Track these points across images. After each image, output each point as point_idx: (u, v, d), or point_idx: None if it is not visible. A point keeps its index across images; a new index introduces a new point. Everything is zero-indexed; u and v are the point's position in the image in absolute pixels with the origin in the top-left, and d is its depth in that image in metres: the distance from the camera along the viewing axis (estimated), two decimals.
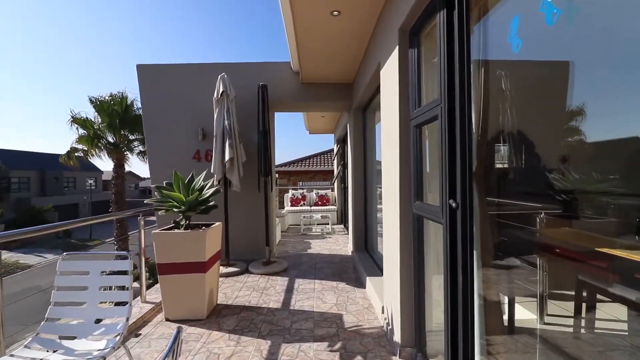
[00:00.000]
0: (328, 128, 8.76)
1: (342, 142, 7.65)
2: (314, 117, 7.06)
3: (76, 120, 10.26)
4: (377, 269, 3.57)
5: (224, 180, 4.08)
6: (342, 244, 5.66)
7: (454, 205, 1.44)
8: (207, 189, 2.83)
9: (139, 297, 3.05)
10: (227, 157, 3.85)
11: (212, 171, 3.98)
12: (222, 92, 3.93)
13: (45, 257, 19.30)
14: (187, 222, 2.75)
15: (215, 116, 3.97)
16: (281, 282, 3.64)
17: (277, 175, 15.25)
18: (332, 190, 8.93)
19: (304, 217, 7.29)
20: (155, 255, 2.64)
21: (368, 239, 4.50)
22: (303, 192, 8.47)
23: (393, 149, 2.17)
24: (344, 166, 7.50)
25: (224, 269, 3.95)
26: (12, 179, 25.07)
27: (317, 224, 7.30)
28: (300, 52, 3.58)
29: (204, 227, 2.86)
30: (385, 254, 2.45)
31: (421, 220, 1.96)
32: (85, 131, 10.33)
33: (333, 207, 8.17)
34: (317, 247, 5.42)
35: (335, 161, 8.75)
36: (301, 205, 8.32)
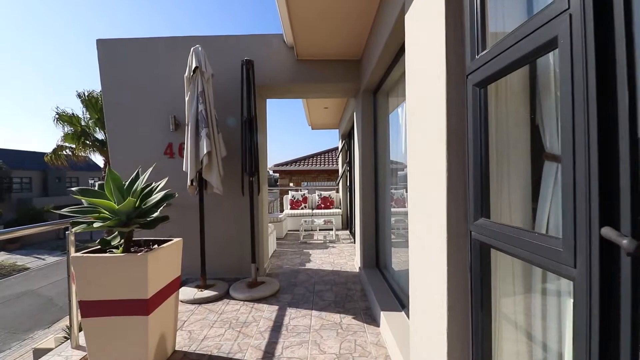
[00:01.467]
0: (332, 122, 7.90)
1: (347, 137, 6.78)
2: (315, 107, 6.21)
3: (62, 117, 9.59)
4: (394, 298, 2.70)
5: (199, 180, 3.25)
6: (347, 255, 4.79)
7: (624, 242, 0.57)
8: (155, 194, 1.99)
9: (68, 341, 2.24)
10: (203, 151, 3.03)
11: (184, 169, 3.15)
12: (196, 68, 3.10)
13: (44, 259, 18.86)
14: (123, 240, 1.92)
15: (186, 99, 3.15)
16: (268, 312, 2.79)
17: (277, 175, 14.42)
18: (337, 191, 8.07)
19: (305, 221, 6.44)
20: (76, 289, 1.82)
21: (380, 253, 3.63)
22: (304, 194, 7.63)
23: (433, 130, 1.31)
24: (350, 164, 6.63)
25: (197, 293, 3.12)
26: (14, 179, 24.78)
27: (319, 230, 6.45)
28: (293, 16, 2.73)
29: (156, 246, 2.04)
30: (416, 285, 1.58)
31: (487, 250, 1.10)
32: (72, 128, 9.65)
33: (337, 210, 7.30)
34: (318, 259, 4.56)
35: (339, 159, 7.88)
36: (302, 208, 7.48)
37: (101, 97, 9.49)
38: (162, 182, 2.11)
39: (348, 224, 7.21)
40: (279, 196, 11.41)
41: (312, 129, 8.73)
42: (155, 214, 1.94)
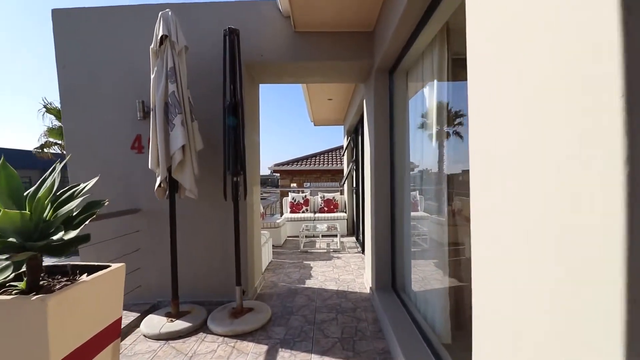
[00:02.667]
0: (337, 117, 7.20)
1: (353, 133, 6.07)
2: (318, 99, 5.51)
3: (50, 111, 8.99)
4: (420, 339, 1.99)
5: (169, 182, 2.58)
6: (355, 270, 4.08)
7: None
8: (71, 203, 1.31)
9: None
10: (177, 144, 2.35)
11: (149, 166, 2.48)
12: (164, 37, 2.42)
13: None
14: (24, 270, 1.24)
15: (152, 77, 2.47)
16: (253, 356, 2.10)
17: (278, 174, 13.73)
18: (341, 193, 7.36)
19: (306, 227, 5.74)
20: None
21: (397, 271, 2.92)
22: (305, 196, 6.94)
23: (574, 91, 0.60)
24: (356, 163, 5.92)
25: (166, 324, 2.44)
26: None
27: (322, 236, 5.76)
28: None
29: (83, 276, 1.36)
30: (491, 327, 0.88)
31: None
32: (59, 122, 9.05)
33: (342, 214, 6.60)
34: (320, 274, 3.86)
35: (345, 158, 7.18)
36: (303, 212, 6.78)
37: None
38: (90, 183, 1.42)
39: (354, 230, 6.50)
40: (280, 198, 10.74)
41: (315, 125, 8.05)
42: (70, 233, 1.25)
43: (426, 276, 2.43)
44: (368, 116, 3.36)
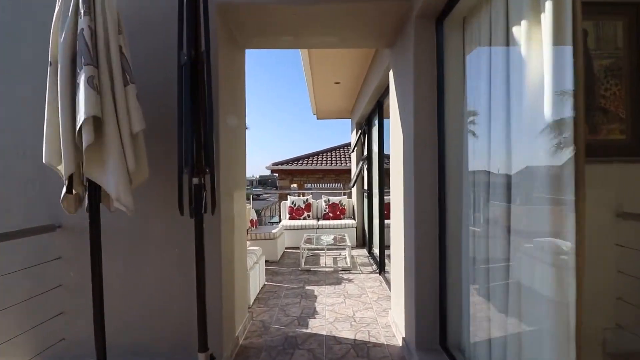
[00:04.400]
0: (343, 107, 6.21)
1: (365, 125, 5.08)
2: (323, 82, 4.51)
3: None
4: None
5: (88, 186, 1.57)
6: (373, 299, 3.08)
7: None
8: None
9: None
10: (80, 116, 1.36)
11: (44, 159, 1.48)
12: None
13: None
14: None
15: (54, 13, 1.48)
16: None
17: (277, 175, 12.79)
18: (349, 196, 6.37)
19: (308, 238, 4.75)
20: None
21: (451, 321, 1.92)
22: (307, 199, 5.94)
23: None
24: (368, 161, 4.93)
25: None
26: None
27: (328, 249, 4.75)
28: None
29: None
30: None
31: None
32: None
33: (350, 221, 5.60)
34: (329, 309, 2.86)
35: (353, 155, 6.19)
36: (304, 218, 5.79)
37: None
38: None
39: (364, 241, 5.50)
40: (278, 201, 9.77)
41: (318, 118, 7.06)
42: None
43: (512, 331, 1.44)
44: (399, 93, 2.37)
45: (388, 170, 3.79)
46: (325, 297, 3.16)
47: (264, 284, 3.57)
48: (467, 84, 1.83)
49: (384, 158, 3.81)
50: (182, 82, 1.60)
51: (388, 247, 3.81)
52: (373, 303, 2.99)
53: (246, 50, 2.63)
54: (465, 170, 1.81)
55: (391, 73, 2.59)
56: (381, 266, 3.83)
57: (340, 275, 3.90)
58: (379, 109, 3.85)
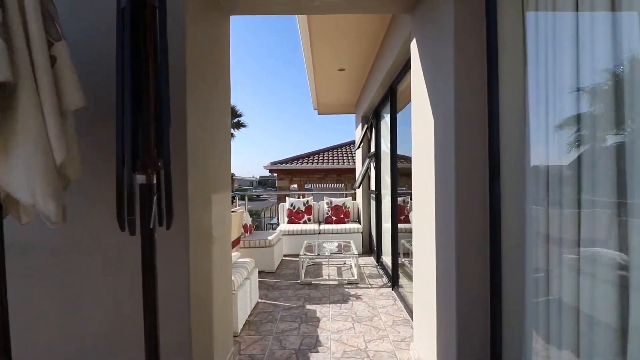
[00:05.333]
0: (347, 101, 5.68)
1: (373, 118, 4.54)
2: (326, 68, 3.98)
3: None
4: None
5: None
6: (388, 324, 2.55)
7: None
8: None
9: None
10: None
11: None
12: None
13: None
14: None
15: None
16: None
17: (277, 174, 12.39)
18: (353, 198, 5.84)
19: (308, 245, 4.21)
20: None
21: (508, 354, 1.38)
22: (307, 201, 5.41)
23: None
24: (376, 159, 4.40)
25: None
26: None
27: (331, 257, 4.19)
28: None
29: None
30: None
31: None
32: None
33: (356, 225, 5.06)
34: (335, 338, 2.33)
35: (358, 153, 5.65)
36: (304, 222, 5.25)
37: None
38: None
39: (371, 247, 4.96)
40: (277, 202, 9.26)
41: (319, 113, 6.53)
42: None
43: None
44: (427, 67, 1.83)
45: (403, 169, 3.25)
46: (330, 320, 2.62)
47: (257, 302, 3.03)
48: (528, 48, 1.30)
49: (397, 154, 3.27)
50: (122, 36, 1.06)
51: (406, 255, 3.27)
52: (388, 329, 2.45)
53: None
54: (527, 163, 1.28)
55: (414, 45, 2.06)
56: (394, 280, 3.29)
57: (347, 290, 3.36)
58: (392, 97, 3.31)
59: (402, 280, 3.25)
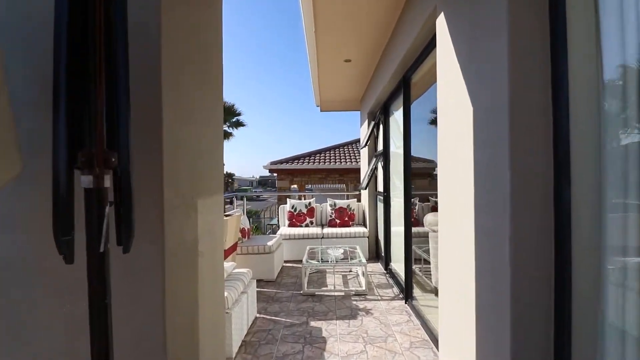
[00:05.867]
0: (352, 97, 5.37)
1: (382, 113, 4.21)
2: (331, 59, 3.66)
3: None
4: None
5: None
6: (405, 348, 2.22)
7: None
8: None
9: None
10: None
11: None
12: None
13: None
14: None
15: None
16: None
17: (277, 174, 12.14)
18: (358, 200, 5.51)
19: (311, 251, 3.89)
20: None
21: None
22: (309, 203, 5.08)
23: None
24: (384, 158, 4.08)
25: None
26: None
27: (336, 263, 3.85)
28: None
29: None
30: None
31: None
32: None
33: (361, 229, 4.74)
34: None
35: (364, 151, 5.33)
36: (306, 225, 4.93)
37: None
38: None
39: (378, 253, 4.64)
40: (278, 203, 8.96)
41: (322, 110, 6.21)
42: None
43: None
44: (460, 44, 1.51)
45: (414, 169, 2.93)
46: (338, 341, 2.29)
47: (255, 318, 2.71)
48: (600, 13, 0.98)
49: (410, 151, 2.95)
50: None
51: (417, 262, 2.95)
52: (405, 353, 2.13)
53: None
54: (604, 163, 0.96)
55: (441, 22, 1.73)
56: (407, 291, 2.97)
57: (354, 302, 3.04)
58: (405, 88, 2.99)
59: (416, 293, 2.93)
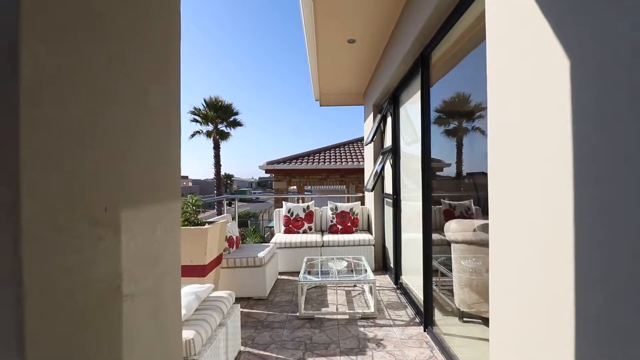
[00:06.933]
0: (354, 90, 4.85)
1: (390, 103, 3.68)
2: (332, 39, 3.12)
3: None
4: None
5: None
6: None
7: None
8: None
9: None
10: None
11: None
12: None
13: None
14: None
15: None
16: None
17: (274, 175, 11.65)
18: (362, 203, 4.98)
19: (310, 263, 3.35)
20: None
21: None
22: (308, 206, 4.55)
23: None
24: (394, 156, 3.55)
25: None
26: None
27: (339, 277, 3.29)
28: None
29: None
30: None
31: None
32: None
33: (366, 236, 4.20)
34: None
35: (369, 148, 4.79)
36: (303, 232, 4.39)
37: None
38: None
39: (386, 264, 4.10)
40: (274, 205, 8.43)
41: (321, 105, 5.68)
42: None
43: None
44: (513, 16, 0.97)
45: (438, 169, 2.40)
46: None
47: (239, 352, 2.17)
48: None
49: (429, 142, 2.42)
50: None
51: (443, 276, 2.42)
52: None
53: None
54: None
55: None
56: (427, 316, 2.43)
57: (361, 329, 2.50)
58: (423, 69, 2.46)
59: (438, 317, 2.39)
